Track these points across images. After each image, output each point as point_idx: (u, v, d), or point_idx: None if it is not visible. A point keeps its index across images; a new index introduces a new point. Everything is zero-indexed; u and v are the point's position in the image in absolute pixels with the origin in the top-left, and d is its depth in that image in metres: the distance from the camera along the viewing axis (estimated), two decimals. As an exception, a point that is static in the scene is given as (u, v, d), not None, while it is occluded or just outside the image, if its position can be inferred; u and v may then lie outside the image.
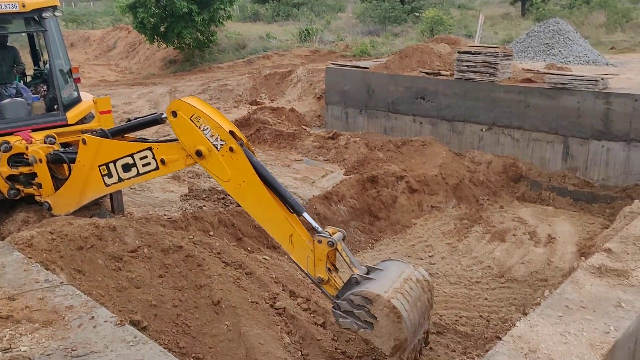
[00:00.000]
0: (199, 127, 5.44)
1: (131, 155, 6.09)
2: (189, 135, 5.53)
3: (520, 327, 4.51)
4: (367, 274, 5.14)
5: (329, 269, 5.17)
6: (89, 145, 6.40)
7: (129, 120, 6.99)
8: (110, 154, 6.25)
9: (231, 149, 5.34)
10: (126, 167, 6.17)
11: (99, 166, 6.34)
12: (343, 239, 5.19)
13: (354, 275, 5.02)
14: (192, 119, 5.47)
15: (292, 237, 5.25)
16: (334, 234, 5.17)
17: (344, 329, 5.12)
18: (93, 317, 4.18)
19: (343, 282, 5.19)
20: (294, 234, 5.24)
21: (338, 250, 5.08)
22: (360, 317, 4.92)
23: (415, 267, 5.41)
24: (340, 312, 5.00)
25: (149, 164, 6.02)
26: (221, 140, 5.37)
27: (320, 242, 5.05)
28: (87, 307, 4.33)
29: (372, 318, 4.87)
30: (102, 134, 6.57)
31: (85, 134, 6.54)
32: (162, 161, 5.90)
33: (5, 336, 3.88)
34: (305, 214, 5.33)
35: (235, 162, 5.37)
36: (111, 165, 6.26)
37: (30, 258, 5.28)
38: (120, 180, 6.29)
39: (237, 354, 5.46)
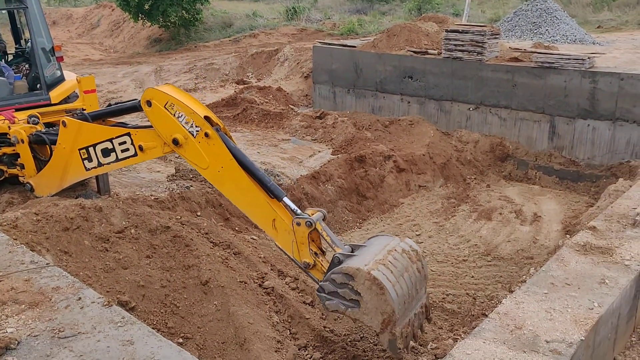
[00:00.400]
0: (174, 115, 5.34)
1: (110, 140, 6.02)
2: (164, 123, 5.44)
3: (506, 304, 4.56)
4: (352, 252, 5.01)
5: (315, 253, 5.06)
6: (69, 128, 6.31)
7: (109, 105, 6.91)
8: (90, 137, 6.18)
9: (206, 135, 5.23)
10: (105, 152, 6.10)
11: (79, 150, 6.27)
12: (323, 219, 5.09)
13: (336, 255, 4.90)
14: (166, 106, 5.36)
15: (275, 221, 5.15)
16: (313, 214, 5.05)
17: (332, 311, 4.98)
18: (80, 298, 4.16)
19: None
20: (276, 218, 5.14)
21: (318, 231, 4.98)
22: (345, 296, 4.78)
23: (401, 238, 5.28)
24: (325, 295, 4.86)
25: (127, 149, 5.94)
26: (196, 126, 5.27)
27: (299, 224, 4.96)
28: (74, 288, 4.30)
29: (356, 295, 4.72)
30: (83, 117, 6.48)
31: (66, 116, 6.45)
32: (141, 148, 5.82)
33: (-9, 318, 3.85)
34: (285, 199, 5.21)
35: (212, 148, 5.27)
36: (91, 150, 6.19)
37: (16, 239, 5.23)
38: (100, 164, 6.22)
39: (226, 333, 5.47)
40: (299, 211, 5.08)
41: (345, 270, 4.71)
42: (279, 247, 5.39)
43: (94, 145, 6.15)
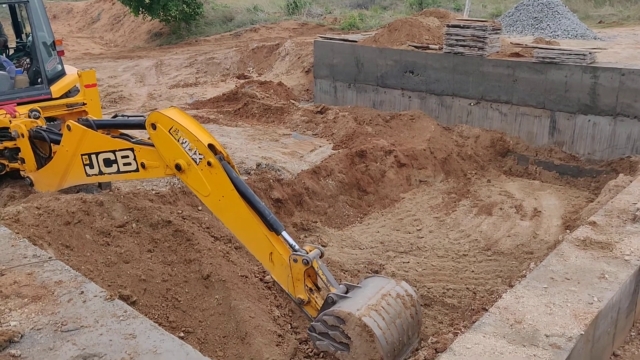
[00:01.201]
0: (178, 140, 5.26)
1: (113, 152, 5.95)
2: (168, 148, 5.36)
3: (506, 299, 4.58)
4: (347, 292, 4.96)
5: (310, 289, 4.99)
6: (73, 132, 6.27)
7: (115, 115, 6.84)
8: (93, 145, 6.11)
9: (209, 164, 5.15)
10: (107, 162, 6.03)
11: (81, 155, 6.22)
12: (320, 257, 4.99)
13: (330, 295, 4.84)
14: (170, 131, 5.28)
15: (272, 255, 5.07)
16: (311, 251, 4.96)
17: (322, 352, 4.94)
18: (82, 292, 4.18)
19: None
20: (273, 252, 5.06)
21: (314, 269, 4.89)
22: (335, 339, 4.73)
23: (397, 281, 5.22)
24: (316, 335, 4.81)
25: (129, 164, 5.86)
26: (200, 154, 5.18)
27: (295, 261, 4.86)
28: (77, 282, 4.32)
29: (346, 339, 4.65)
30: (88, 123, 6.46)
31: (71, 121, 6.42)
32: (143, 165, 5.73)
33: (-5, 311, 3.87)
34: (284, 233, 5.11)
35: (214, 177, 5.18)
36: (93, 157, 6.12)
37: (18, 233, 5.25)
38: (100, 173, 6.14)
39: (227, 327, 5.50)
40: (296, 247, 4.98)
41: (337, 313, 4.67)
42: (275, 280, 5.31)
43: (97, 154, 6.09)
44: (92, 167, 6.20)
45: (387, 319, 4.74)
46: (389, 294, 4.94)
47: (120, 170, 5.98)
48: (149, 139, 5.59)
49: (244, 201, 5.13)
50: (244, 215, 5.14)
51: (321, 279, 4.93)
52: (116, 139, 6.07)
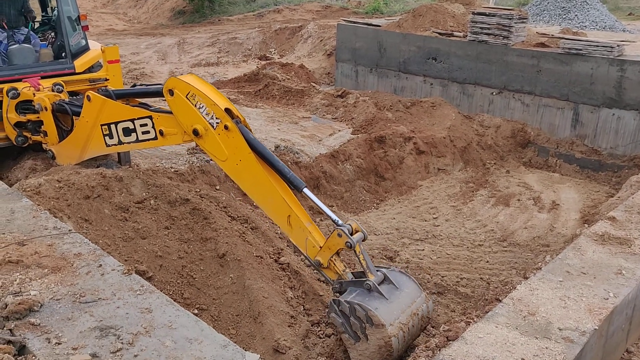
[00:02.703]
0: (195, 105, 5.31)
1: (132, 121, 6.03)
2: (185, 113, 5.41)
3: (521, 290, 4.57)
4: (382, 281, 4.96)
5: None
6: (93, 103, 6.37)
7: (134, 85, 6.90)
8: (112, 115, 6.21)
9: (226, 127, 5.18)
10: (126, 132, 6.13)
11: (101, 125, 6.33)
12: (363, 240, 4.99)
13: (369, 282, 4.84)
14: (187, 97, 5.33)
15: (290, 218, 5.09)
16: (356, 229, 4.95)
17: (330, 322, 4.99)
18: (101, 265, 4.25)
19: (344, 266, 5.08)
20: (291, 215, 5.08)
21: (355, 253, 4.89)
22: (352, 326, 4.79)
23: (426, 297, 5.23)
24: (337, 308, 4.86)
25: (148, 132, 5.95)
26: (216, 118, 5.22)
27: (340, 235, 4.84)
28: (95, 255, 4.40)
29: (363, 335, 4.73)
30: (107, 94, 6.53)
31: (90, 92, 6.51)
32: (161, 132, 5.81)
33: (16, 280, 3.95)
34: (305, 190, 5.13)
35: (231, 141, 5.22)
36: (112, 127, 6.23)
37: (39, 205, 5.34)
38: (120, 142, 6.26)
39: (240, 305, 5.56)
40: (340, 222, 4.96)
41: (372, 315, 4.67)
42: (293, 244, 5.35)
43: (116, 123, 6.18)
44: (111, 137, 6.29)
45: (407, 338, 4.85)
46: (417, 314, 5.00)
47: (139, 138, 6.06)
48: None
49: (261, 165, 5.16)
50: (261, 178, 5.18)
51: (361, 263, 4.94)
52: (135, 107, 6.14)
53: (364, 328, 4.72)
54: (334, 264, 5.00)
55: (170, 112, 5.64)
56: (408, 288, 5.11)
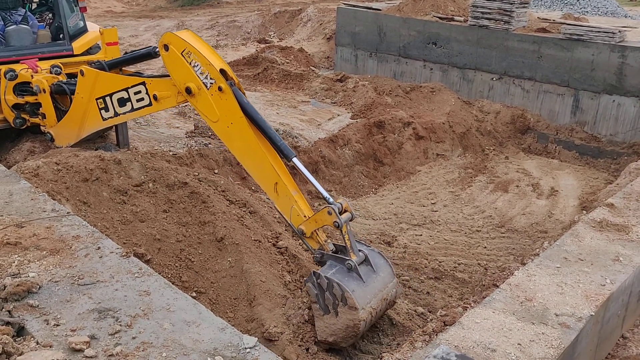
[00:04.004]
0: (190, 63, 5.27)
1: (126, 90, 6.04)
2: (179, 70, 5.38)
3: (518, 276, 4.59)
4: (364, 261, 5.08)
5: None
6: (86, 77, 6.37)
7: (125, 53, 6.89)
8: (106, 86, 6.22)
9: (220, 89, 5.16)
10: (121, 102, 6.14)
11: (96, 99, 6.33)
12: (350, 220, 5.06)
13: (350, 262, 4.93)
14: (183, 54, 5.28)
15: (277, 185, 5.13)
16: (345, 209, 5.01)
17: (305, 291, 5.14)
18: (99, 248, 4.26)
19: (326, 237, 5.16)
20: (279, 182, 5.11)
21: (342, 232, 4.95)
22: (325, 300, 4.90)
23: (397, 283, 5.37)
24: (315, 280, 4.95)
25: (142, 99, 5.96)
26: (211, 78, 5.19)
27: (330, 214, 4.88)
28: (94, 238, 4.40)
29: (334, 311, 4.86)
30: (100, 66, 6.51)
31: (83, 66, 6.49)
32: (155, 97, 5.81)
33: (14, 262, 3.96)
34: (295, 159, 5.16)
35: (224, 103, 5.20)
36: (107, 99, 6.24)
37: (37, 187, 5.33)
38: (116, 114, 6.28)
39: (238, 289, 5.58)
40: (331, 200, 5.00)
41: (348, 297, 4.77)
42: (277, 210, 5.40)
43: (111, 95, 6.20)
44: (107, 110, 6.30)
45: (372, 322, 5.07)
46: (386, 299, 5.18)
47: (134, 107, 6.07)
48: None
49: (252, 130, 5.17)
50: (252, 143, 5.19)
51: (346, 243, 5.02)
52: (128, 76, 6.14)
53: (337, 305, 4.84)
54: (317, 234, 5.10)
55: (162, 76, 5.63)
56: (383, 272, 5.23)
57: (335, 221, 4.88)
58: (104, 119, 6.42)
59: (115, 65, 6.61)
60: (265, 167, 5.17)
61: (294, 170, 5.55)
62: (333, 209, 4.88)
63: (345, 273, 4.95)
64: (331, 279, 4.85)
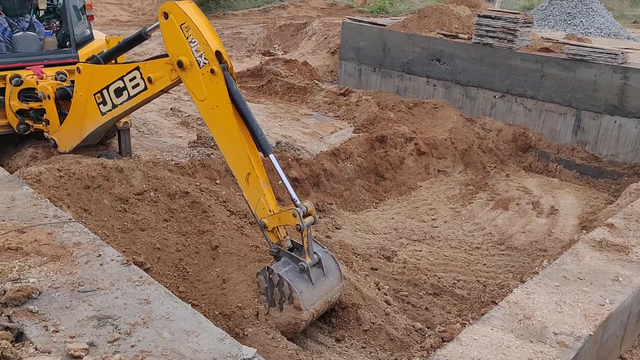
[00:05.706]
0: (187, 38, 5.27)
1: (121, 79, 6.10)
2: (175, 41, 5.37)
3: (517, 294, 4.59)
4: (317, 263, 5.23)
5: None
6: (83, 74, 6.46)
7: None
8: (102, 79, 6.29)
9: (212, 71, 5.18)
10: (118, 92, 6.20)
11: (94, 94, 6.40)
12: (312, 224, 5.19)
13: (304, 264, 5.07)
14: (182, 27, 5.28)
15: (249, 176, 5.23)
16: (310, 212, 5.13)
17: (257, 283, 5.30)
18: (100, 255, 4.26)
19: (286, 233, 5.34)
20: (251, 173, 5.22)
21: (302, 235, 5.07)
22: (272, 294, 5.10)
23: (342, 287, 5.51)
24: (267, 274, 5.10)
25: (138, 84, 6.01)
26: (205, 58, 5.21)
27: (294, 216, 5.00)
28: (95, 245, 4.41)
29: (279, 306, 5.07)
30: (96, 61, 6.56)
31: (80, 63, 6.56)
32: (149, 79, 5.86)
33: (15, 267, 3.96)
34: (271, 156, 5.25)
35: (214, 85, 5.22)
36: (104, 92, 6.31)
37: (39, 193, 5.34)
38: (114, 106, 6.33)
39: (220, 300, 5.53)
40: (298, 202, 5.11)
41: (296, 297, 4.95)
42: (244, 199, 5.51)
43: (107, 87, 6.26)
44: (105, 103, 6.38)
45: (313, 319, 5.26)
46: (330, 302, 5.35)
47: (131, 95, 6.12)
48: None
49: (236, 118, 5.22)
50: (233, 130, 5.24)
51: (304, 245, 5.15)
52: (122, 64, 6.20)
53: (283, 302, 5.03)
54: (278, 229, 5.25)
55: (154, 58, 5.75)
56: (332, 276, 5.37)
57: (297, 224, 5.00)
58: (103, 113, 6.46)
59: (110, 57, 6.64)
60: (242, 156, 5.26)
61: (269, 166, 5.63)
62: (298, 212, 4.99)
63: (297, 273, 5.12)
64: (283, 277, 5.02)
